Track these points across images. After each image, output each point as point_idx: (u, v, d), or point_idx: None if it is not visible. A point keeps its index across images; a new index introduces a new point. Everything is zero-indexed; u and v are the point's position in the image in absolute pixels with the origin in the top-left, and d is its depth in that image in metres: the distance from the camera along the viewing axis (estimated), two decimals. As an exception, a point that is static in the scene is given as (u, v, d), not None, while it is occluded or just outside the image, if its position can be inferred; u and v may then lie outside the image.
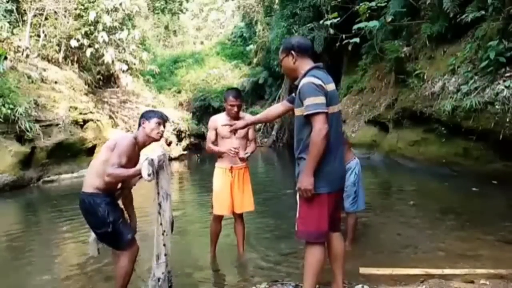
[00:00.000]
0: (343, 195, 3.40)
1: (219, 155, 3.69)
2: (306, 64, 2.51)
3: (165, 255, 2.85)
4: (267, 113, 3.09)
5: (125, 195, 3.07)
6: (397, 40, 8.97)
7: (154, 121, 2.92)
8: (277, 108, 3.01)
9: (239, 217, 3.79)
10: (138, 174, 2.67)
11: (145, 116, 2.96)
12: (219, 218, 3.76)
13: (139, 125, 2.97)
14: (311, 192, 2.37)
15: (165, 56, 22.23)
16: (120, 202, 3.02)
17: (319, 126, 2.31)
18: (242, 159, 3.59)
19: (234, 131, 3.25)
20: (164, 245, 2.84)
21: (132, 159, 2.84)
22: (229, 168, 3.66)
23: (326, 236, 2.50)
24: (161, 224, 2.82)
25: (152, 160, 2.65)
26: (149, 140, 2.94)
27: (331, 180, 2.44)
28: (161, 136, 2.99)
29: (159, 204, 2.81)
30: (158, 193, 2.80)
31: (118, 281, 2.83)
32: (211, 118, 3.79)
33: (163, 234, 2.83)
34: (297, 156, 2.51)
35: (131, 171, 2.72)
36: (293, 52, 2.51)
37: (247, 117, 3.48)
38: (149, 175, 2.60)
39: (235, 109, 3.58)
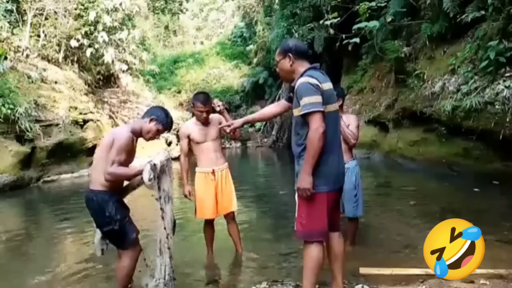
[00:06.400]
0: (344, 199, 3.40)
1: (199, 159, 3.70)
2: (302, 66, 2.52)
3: (170, 257, 2.86)
4: (263, 112, 3.12)
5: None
6: (397, 40, 8.95)
7: (156, 126, 2.89)
8: (273, 107, 3.03)
9: (229, 218, 3.78)
10: (139, 174, 2.66)
11: (152, 114, 2.92)
12: (210, 222, 3.77)
13: (143, 117, 2.94)
14: (310, 192, 2.37)
15: (165, 56, 22.22)
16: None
17: (316, 125, 2.32)
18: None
19: (232, 131, 3.13)
20: (169, 248, 2.85)
21: (131, 153, 2.84)
22: (211, 171, 3.66)
23: (326, 236, 2.50)
24: (164, 228, 2.84)
25: (154, 165, 2.66)
26: (144, 136, 2.90)
27: (329, 179, 2.44)
28: (153, 139, 2.96)
29: (161, 209, 2.82)
30: (160, 197, 2.81)
31: (119, 281, 2.83)
32: (182, 126, 3.77)
33: (167, 237, 2.84)
34: (297, 155, 2.51)
35: (132, 171, 2.71)
36: (290, 55, 2.52)
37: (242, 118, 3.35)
38: (150, 179, 2.61)
39: (204, 115, 3.56)
